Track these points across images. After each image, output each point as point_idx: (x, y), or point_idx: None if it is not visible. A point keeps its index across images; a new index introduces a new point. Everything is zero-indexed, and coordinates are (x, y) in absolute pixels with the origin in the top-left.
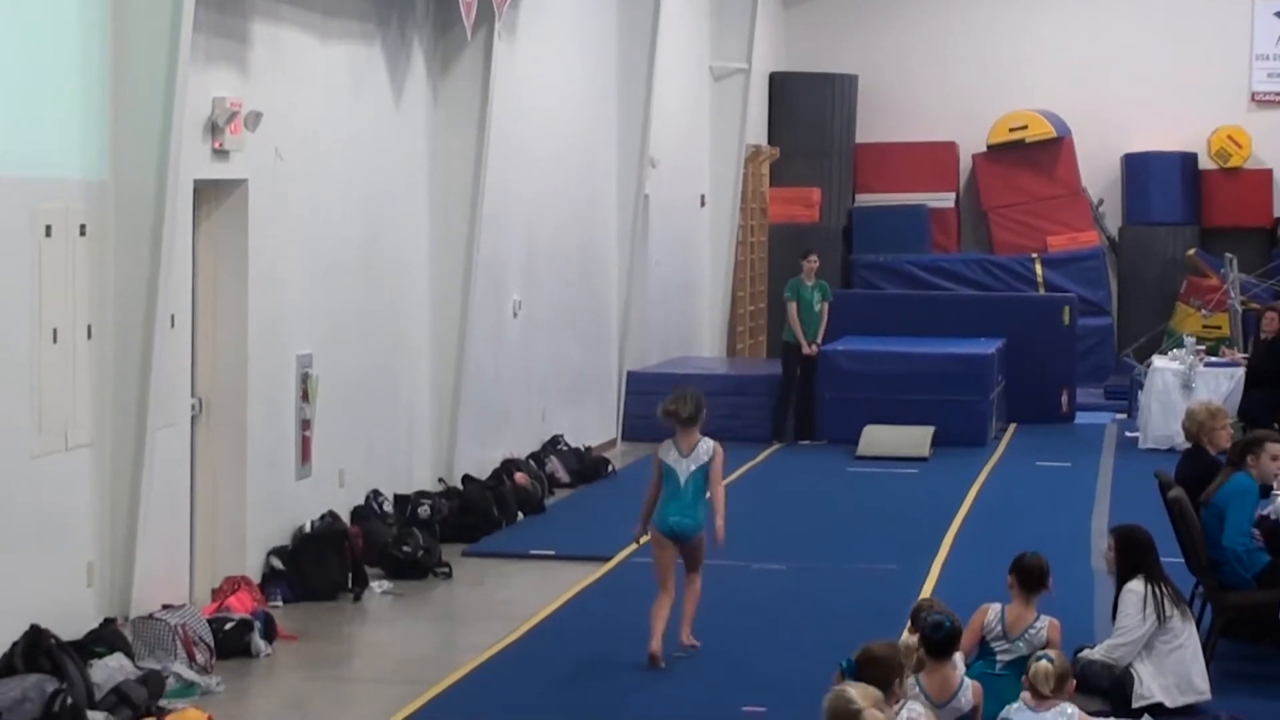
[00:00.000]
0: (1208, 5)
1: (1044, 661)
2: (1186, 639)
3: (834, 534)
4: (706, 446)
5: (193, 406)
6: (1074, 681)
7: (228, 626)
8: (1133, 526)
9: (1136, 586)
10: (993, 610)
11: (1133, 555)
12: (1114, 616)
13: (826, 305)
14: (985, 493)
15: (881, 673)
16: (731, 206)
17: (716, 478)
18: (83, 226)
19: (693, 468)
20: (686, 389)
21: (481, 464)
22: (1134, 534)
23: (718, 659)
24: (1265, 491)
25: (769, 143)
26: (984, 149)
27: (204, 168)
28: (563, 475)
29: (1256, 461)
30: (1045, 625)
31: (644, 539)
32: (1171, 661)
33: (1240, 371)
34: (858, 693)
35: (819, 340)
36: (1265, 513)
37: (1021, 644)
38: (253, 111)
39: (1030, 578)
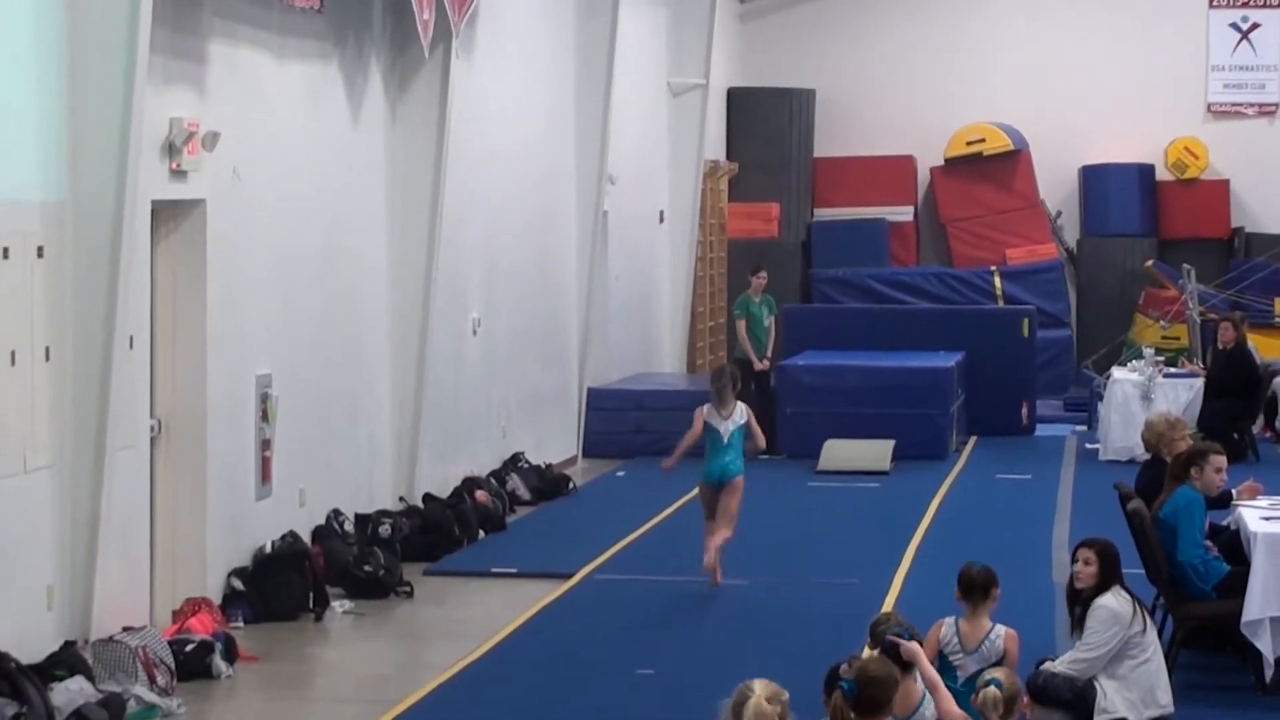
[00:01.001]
0: (1164, 17)
1: (991, 687)
2: (1153, 653)
3: (795, 549)
4: (741, 409)
5: (152, 427)
6: (1025, 699)
7: (189, 648)
8: (1107, 539)
9: (1109, 601)
10: (947, 624)
11: (1111, 567)
12: (1075, 629)
13: (775, 320)
14: (946, 506)
15: (881, 691)
16: (690, 222)
17: (754, 425)
18: (40, 248)
19: (732, 427)
20: (725, 367)
21: (442, 482)
22: (1112, 546)
23: (682, 675)
24: (1225, 502)
25: (727, 158)
26: (942, 162)
27: (162, 188)
28: (524, 493)
29: (1200, 474)
30: (1002, 635)
31: (669, 465)
32: (1138, 676)
33: (1199, 382)
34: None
35: (769, 355)
36: (1225, 523)
37: (978, 656)
38: (210, 132)
39: (971, 588)
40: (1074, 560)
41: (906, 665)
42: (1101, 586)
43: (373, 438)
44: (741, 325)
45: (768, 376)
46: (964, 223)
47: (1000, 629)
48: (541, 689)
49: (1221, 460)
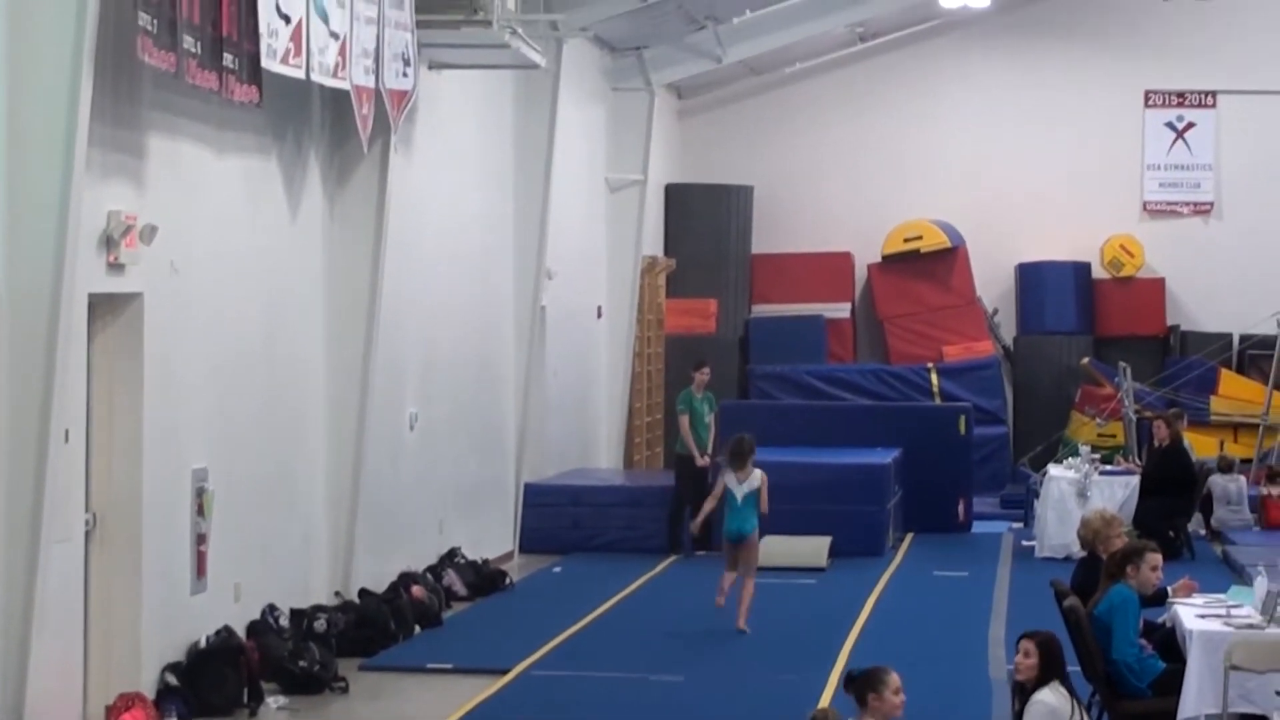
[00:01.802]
0: (1100, 116)
1: None
2: None
3: (732, 645)
4: (756, 475)
5: (87, 521)
6: None
7: None
8: (1049, 632)
9: (1047, 697)
10: None
11: (1053, 659)
12: None
13: (715, 416)
14: (883, 603)
15: None
16: (628, 317)
17: (764, 492)
18: None
19: (746, 491)
20: (742, 437)
21: (378, 577)
22: (1054, 639)
23: None
24: (1161, 599)
25: (665, 254)
26: (879, 259)
27: (99, 281)
28: (460, 588)
29: (1136, 572)
30: None
31: (696, 526)
32: None
33: (1135, 480)
34: None
35: (710, 451)
36: (1161, 621)
37: None
38: (148, 225)
39: (850, 688)
40: (1015, 651)
41: None
42: (1042, 679)
43: (308, 532)
44: (684, 420)
45: (707, 472)
46: (901, 319)
47: None
48: None
49: (1157, 558)
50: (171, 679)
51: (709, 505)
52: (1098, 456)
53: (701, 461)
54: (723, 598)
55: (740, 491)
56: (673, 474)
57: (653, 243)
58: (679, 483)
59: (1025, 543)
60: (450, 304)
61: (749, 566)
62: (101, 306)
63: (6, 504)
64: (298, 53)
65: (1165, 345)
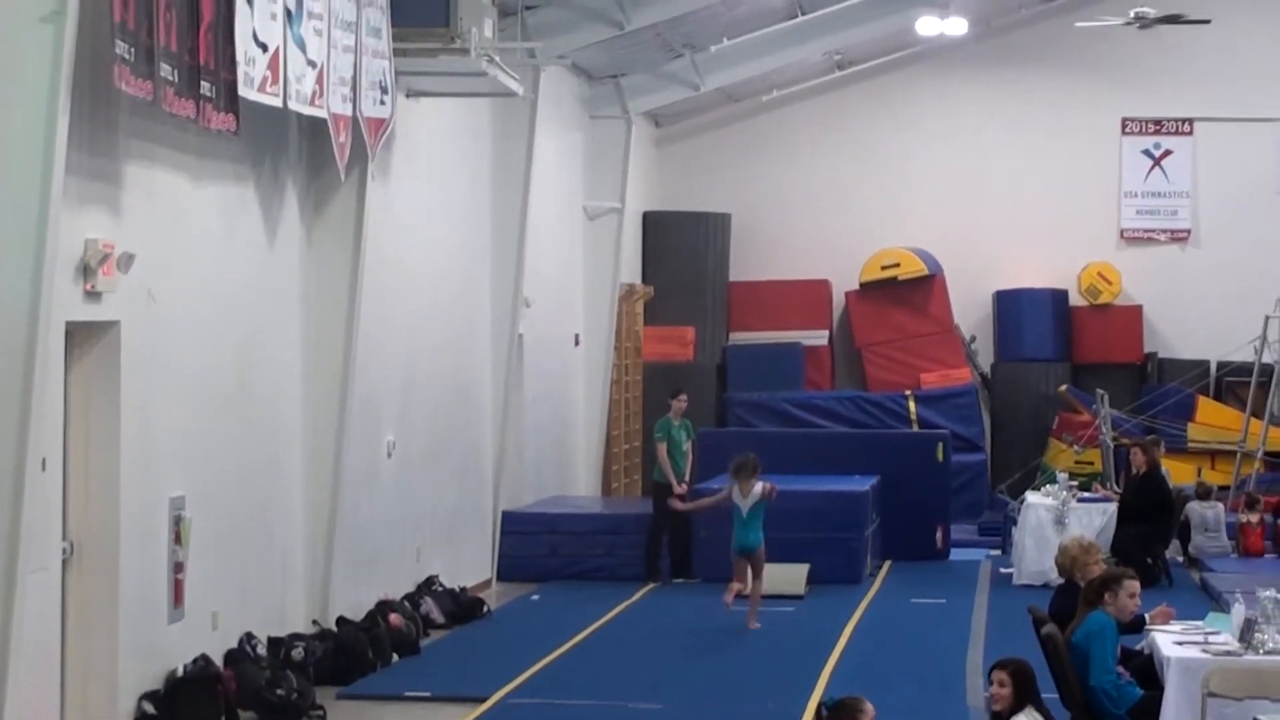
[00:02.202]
0: (1077, 143)
1: None
2: None
3: (710, 673)
4: (758, 488)
5: (64, 550)
6: None
7: None
8: (1023, 659)
9: None
10: None
11: (1027, 687)
12: None
13: (693, 444)
14: (860, 630)
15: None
16: (606, 345)
17: (764, 491)
18: None
19: (750, 505)
20: (746, 455)
21: (356, 605)
22: (1026, 666)
23: None
24: (1138, 626)
25: (643, 281)
26: (857, 286)
27: (76, 310)
28: (438, 616)
29: (1114, 599)
30: None
31: (681, 501)
32: None
33: (1113, 507)
34: None
35: (687, 479)
36: (1139, 648)
37: None
38: (125, 253)
39: (825, 718)
40: (989, 682)
41: None
42: (1017, 706)
43: (286, 560)
44: (662, 448)
45: (684, 500)
46: (879, 347)
47: None
48: None
49: (1135, 585)
50: (149, 708)
51: (708, 502)
52: (1075, 483)
53: (679, 489)
54: (731, 596)
55: (744, 505)
56: (650, 502)
57: (630, 270)
58: (657, 511)
59: (1003, 570)
60: (428, 332)
61: (758, 571)
62: (79, 335)
63: None
64: (275, 81)
65: (1143, 372)
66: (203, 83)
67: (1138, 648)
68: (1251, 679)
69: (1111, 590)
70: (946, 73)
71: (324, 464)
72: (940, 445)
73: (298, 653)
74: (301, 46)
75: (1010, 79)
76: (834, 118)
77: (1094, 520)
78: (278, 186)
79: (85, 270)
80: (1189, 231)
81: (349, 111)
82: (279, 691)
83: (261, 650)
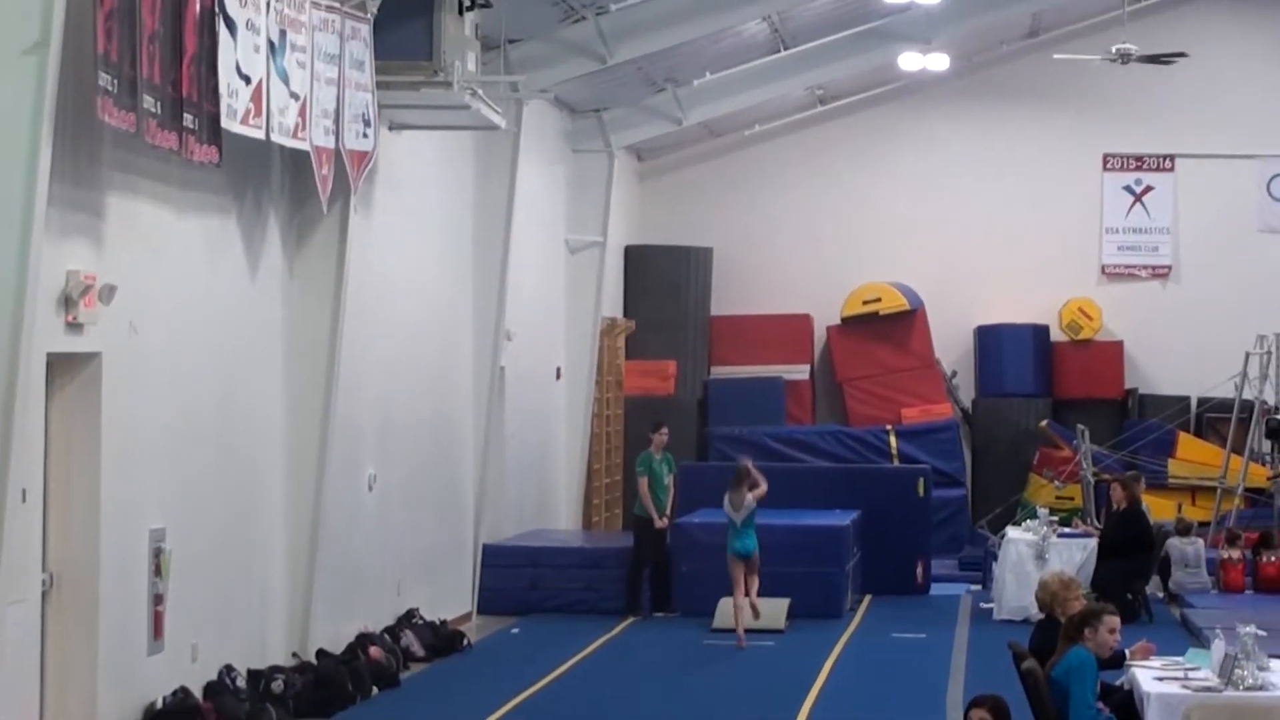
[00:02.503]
0: (1058, 179)
1: None
2: None
3: (690, 708)
4: (750, 498)
5: (43, 582)
6: None
7: None
8: (1000, 696)
9: None
10: None
11: None
12: None
13: (674, 478)
14: (841, 665)
15: None
16: (587, 379)
17: (756, 496)
18: None
19: (743, 514)
20: (743, 470)
21: (336, 638)
22: (1003, 702)
23: None
24: (1118, 662)
25: (625, 315)
26: (838, 321)
27: (57, 341)
28: (418, 649)
29: (1094, 634)
30: None
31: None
32: None
33: (1093, 542)
34: None
35: (669, 513)
36: (1118, 683)
37: None
38: (107, 285)
39: None
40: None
41: None
42: None
43: (266, 593)
44: (644, 482)
45: (665, 534)
46: (860, 382)
47: None
48: None
49: (1115, 621)
50: None
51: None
52: (1056, 519)
53: (660, 523)
54: (742, 633)
55: (738, 517)
56: (631, 535)
57: (612, 304)
58: (637, 543)
59: (983, 605)
60: (409, 364)
61: (754, 572)
62: (60, 366)
63: None
64: (258, 113)
65: (1123, 408)
66: (185, 114)
67: (1118, 683)
68: (1231, 715)
69: (1092, 626)
70: (928, 108)
71: (304, 496)
72: (921, 480)
73: (277, 685)
74: (284, 79)
75: (992, 114)
76: (816, 152)
77: (1074, 556)
78: (260, 219)
79: (67, 302)
80: (1170, 267)
81: (332, 144)
82: None
83: (241, 683)
